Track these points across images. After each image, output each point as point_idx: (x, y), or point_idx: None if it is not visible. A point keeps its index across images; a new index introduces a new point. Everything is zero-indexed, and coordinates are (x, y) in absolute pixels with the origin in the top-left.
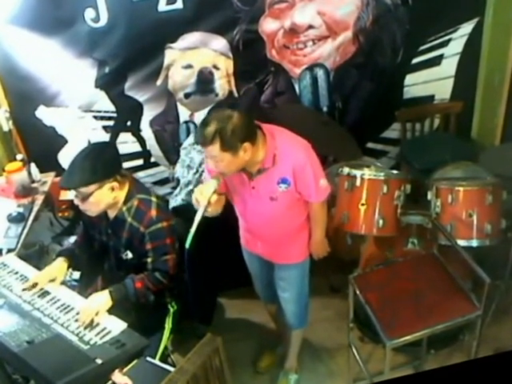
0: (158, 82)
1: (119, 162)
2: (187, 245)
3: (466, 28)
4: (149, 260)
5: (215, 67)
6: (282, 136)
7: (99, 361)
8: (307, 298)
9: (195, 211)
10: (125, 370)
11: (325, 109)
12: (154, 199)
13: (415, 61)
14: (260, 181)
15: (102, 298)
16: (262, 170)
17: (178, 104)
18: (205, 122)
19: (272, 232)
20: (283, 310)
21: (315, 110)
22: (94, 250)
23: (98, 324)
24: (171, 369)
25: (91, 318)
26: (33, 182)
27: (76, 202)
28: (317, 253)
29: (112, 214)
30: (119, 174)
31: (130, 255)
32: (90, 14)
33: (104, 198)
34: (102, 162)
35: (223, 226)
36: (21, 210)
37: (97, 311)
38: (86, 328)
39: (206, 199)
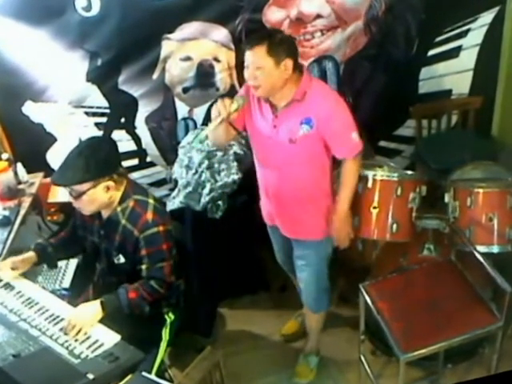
0: (155, 76)
1: (117, 159)
2: (195, 143)
3: (486, 17)
4: (144, 267)
5: (216, 59)
6: (319, 81)
7: (91, 376)
8: (326, 281)
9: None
10: None
11: None
12: (151, 201)
13: (431, 53)
14: (283, 118)
15: (93, 309)
16: (289, 103)
17: (176, 99)
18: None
19: (288, 187)
20: (301, 291)
21: None
22: (86, 253)
23: (88, 336)
24: None
25: (78, 329)
26: (19, 183)
27: (69, 198)
28: (338, 232)
29: (106, 214)
30: (116, 172)
31: (122, 259)
32: (81, 2)
33: (98, 197)
34: (96, 160)
35: (224, 228)
36: (6, 213)
37: (85, 323)
38: (75, 340)
39: (227, 111)
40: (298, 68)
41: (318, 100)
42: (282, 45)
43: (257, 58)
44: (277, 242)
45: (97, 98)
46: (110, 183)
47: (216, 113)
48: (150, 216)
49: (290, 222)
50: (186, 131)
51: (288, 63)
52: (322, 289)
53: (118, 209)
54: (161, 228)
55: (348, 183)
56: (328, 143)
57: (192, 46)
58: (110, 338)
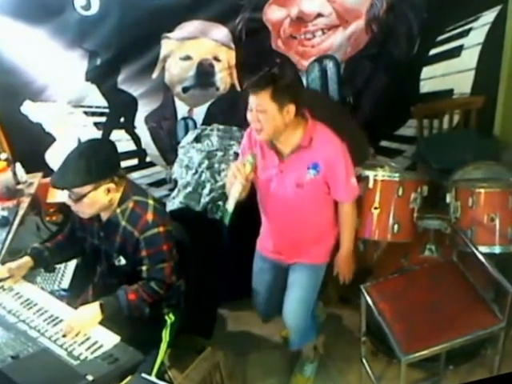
0: (154, 75)
1: (117, 161)
2: (226, 221)
3: (488, 16)
4: (144, 268)
5: (216, 59)
6: (323, 127)
7: (90, 377)
8: (313, 313)
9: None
10: None
11: None
12: (150, 202)
13: (433, 52)
14: (290, 163)
15: (92, 311)
16: (296, 149)
17: (176, 99)
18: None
19: (293, 227)
20: (286, 323)
21: (326, 97)
22: (85, 254)
23: (88, 337)
24: None
25: (76, 332)
26: (18, 183)
27: (68, 202)
28: (343, 270)
29: (105, 215)
30: (116, 174)
31: (122, 261)
32: (80, 1)
33: (99, 200)
34: (97, 162)
35: (227, 231)
36: (5, 213)
37: (84, 326)
38: (74, 342)
39: (243, 177)
40: (300, 112)
41: (324, 145)
42: (285, 90)
43: (261, 102)
44: (265, 277)
45: (96, 98)
46: (111, 185)
47: (232, 178)
48: (150, 217)
49: (293, 250)
50: (186, 131)
51: (291, 108)
52: (310, 319)
53: (118, 210)
54: (161, 229)
55: (348, 226)
56: (330, 185)
57: (192, 45)
58: (109, 339)
